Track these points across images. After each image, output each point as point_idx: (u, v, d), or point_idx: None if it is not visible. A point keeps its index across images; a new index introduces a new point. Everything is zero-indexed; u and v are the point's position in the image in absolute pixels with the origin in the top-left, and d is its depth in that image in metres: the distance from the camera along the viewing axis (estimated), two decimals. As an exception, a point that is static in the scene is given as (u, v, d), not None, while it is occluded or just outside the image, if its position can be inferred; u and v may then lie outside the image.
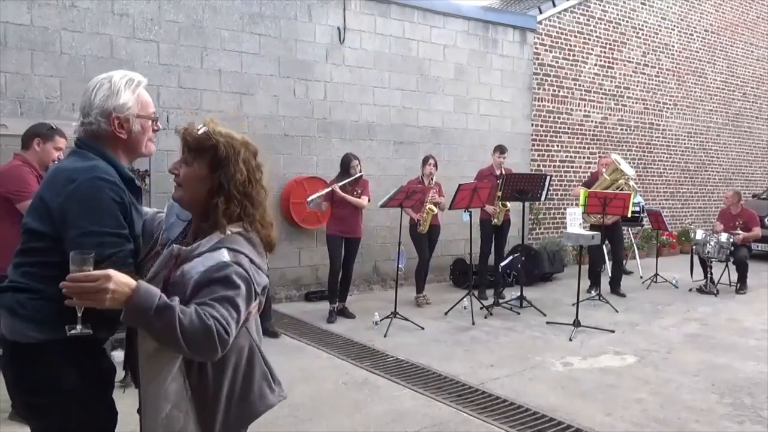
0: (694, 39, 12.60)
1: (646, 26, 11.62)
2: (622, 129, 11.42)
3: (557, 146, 10.41)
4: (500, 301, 7.07)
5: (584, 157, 10.81)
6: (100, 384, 1.85)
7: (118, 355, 2.96)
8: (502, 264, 7.67)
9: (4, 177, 3.75)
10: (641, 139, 11.77)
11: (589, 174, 9.18)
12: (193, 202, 1.78)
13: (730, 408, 4.21)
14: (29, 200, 1.95)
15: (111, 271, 1.49)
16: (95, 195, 1.71)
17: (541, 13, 9.94)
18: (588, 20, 10.64)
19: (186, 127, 1.78)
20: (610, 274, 8.06)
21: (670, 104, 12.26)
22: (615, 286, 7.91)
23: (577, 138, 10.70)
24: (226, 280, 1.63)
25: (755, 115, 14.20)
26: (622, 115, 11.38)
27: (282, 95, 7.44)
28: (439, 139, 8.80)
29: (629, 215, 6.98)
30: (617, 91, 11.24)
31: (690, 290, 8.17)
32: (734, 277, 8.27)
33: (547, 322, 6.36)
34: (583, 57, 10.62)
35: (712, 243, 7.97)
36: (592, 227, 7.33)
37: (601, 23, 10.84)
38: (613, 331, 6.07)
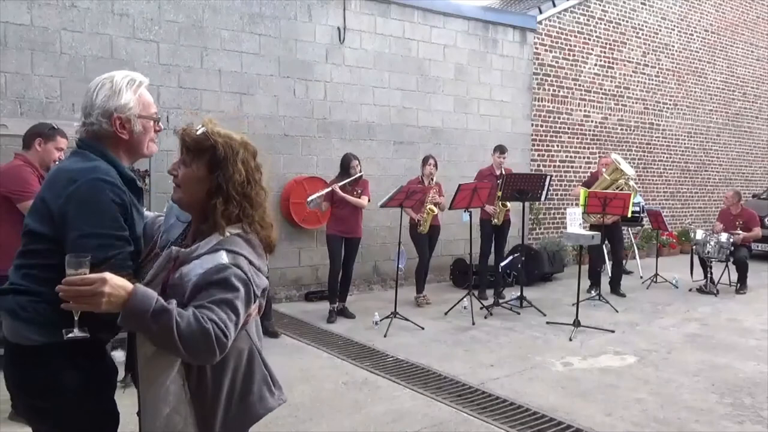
0: (694, 39, 12.60)
1: (646, 26, 11.62)
2: (622, 129, 11.42)
3: (557, 146, 10.41)
4: (500, 301, 7.07)
5: (584, 157, 10.82)
6: (102, 386, 1.85)
7: (119, 356, 2.96)
8: (502, 264, 7.67)
9: (5, 176, 3.74)
10: (641, 139, 11.78)
11: (589, 174, 9.19)
12: (192, 203, 1.77)
13: (730, 408, 4.21)
14: (30, 200, 1.95)
15: (107, 275, 1.47)
16: (95, 196, 1.70)
17: (541, 13, 9.94)
18: (588, 20, 10.64)
19: (184, 127, 1.77)
20: (610, 274, 8.06)
21: (670, 104, 12.26)
22: (615, 286, 7.91)
23: (577, 138, 10.70)
24: (224, 283, 1.61)
25: (755, 115, 14.20)
26: (622, 115, 11.39)
27: (282, 95, 7.44)
28: (439, 139, 8.81)
29: (629, 215, 6.98)
30: (617, 91, 11.24)
31: (690, 290, 8.17)
32: (734, 277, 8.27)
33: (547, 322, 6.36)
34: (583, 57, 10.62)
35: (712, 243, 7.97)
36: (592, 227, 7.33)
37: (601, 23, 10.85)
38: (613, 331, 6.07)
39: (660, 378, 4.79)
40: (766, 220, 9.98)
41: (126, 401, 1.95)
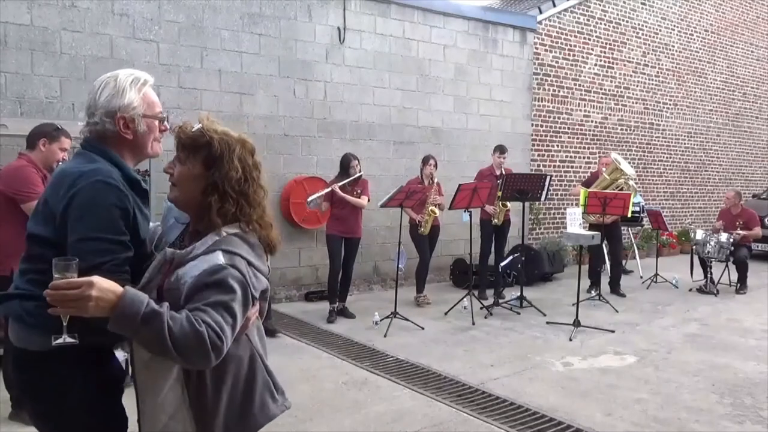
0: (694, 39, 12.60)
1: (646, 26, 11.62)
2: (622, 129, 11.42)
3: (557, 146, 10.41)
4: (500, 301, 7.07)
5: (584, 157, 10.82)
6: (109, 391, 1.82)
7: (120, 355, 2.95)
8: (502, 264, 7.67)
9: (9, 177, 3.73)
10: (641, 139, 11.78)
11: (589, 174, 9.19)
12: (188, 202, 1.73)
13: (730, 408, 4.21)
14: (35, 201, 1.94)
15: (95, 278, 1.43)
16: (95, 199, 1.67)
17: (541, 13, 9.94)
18: (588, 20, 10.64)
19: (180, 125, 1.73)
20: (609, 274, 8.06)
21: (670, 104, 12.26)
22: (615, 286, 7.91)
23: (577, 138, 10.70)
24: (220, 284, 1.56)
25: (755, 115, 14.20)
26: (622, 115, 11.39)
27: (282, 95, 7.44)
28: (439, 139, 8.81)
29: (629, 215, 6.98)
30: (617, 91, 11.25)
31: (690, 290, 8.17)
32: (734, 277, 8.27)
33: (547, 322, 6.35)
34: (583, 57, 10.62)
35: (712, 243, 7.97)
36: (591, 227, 7.33)
37: (601, 23, 10.85)
38: (613, 331, 6.07)
39: (660, 378, 4.79)
40: (766, 220, 9.98)
41: (125, 401, 1.94)
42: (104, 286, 1.43)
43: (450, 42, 8.88)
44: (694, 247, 8.33)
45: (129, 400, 1.94)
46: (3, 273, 3.36)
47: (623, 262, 8.82)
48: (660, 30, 11.89)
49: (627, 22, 11.27)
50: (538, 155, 10.13)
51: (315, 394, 4.31)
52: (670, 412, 4.12)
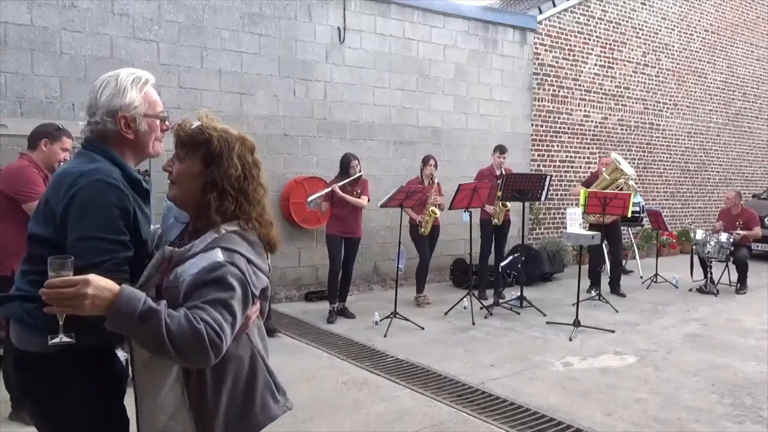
0: (694, 39, 12.60)
1: (646, 26, 11.62)
2: (622, 129, 11.42)
3: (557, 146, 10.41)
4: (500, 301, 7.07)
5: (584, 157, 10.82)
6: (109, 391, 1.81)
7: (121, 355, 2.95)
8: (502, 264, 7.67)
9: (10, 177, 3.72)
10: (641, 139, 11.78)
11: (589, 174, 9.19)
12: (187, 200, 1.71)
13: (730, 408, 4.21)
14: (36, 201, 1.93)
15: (91, 276, 1.41)
16: (94, 199, 1.66)
17: (541, 13, 9.94)
18: (588, 20, 10.64)
19: (179, 122, 1.72)
20: (609, 274, 8.06)
21: (670, 104, 12.26)
22: (615, 286, 7.91)
23: (577, 138, 10.71)
24: (219, 282, 1.54)
25: (755, 115, 14.20)
26: (622, 115, 11.39)
27: (282, 95, 7.44)
28: (439, 139, 8.81)
29: (629, 215, 6.98)
30: (617, 91, 11.25)
31: (690, 290, 8.17)
32: (734, 277, 8.27)
33: (547, 322, 6.35)
34: (583, 57, 10.62)
35: (712, 243, 7.97)
36: (591, 227, 7.33)
37: (601, 23, 10.85)
38: (613, 331, 6.07)
39: (660, 378, 4.79)
40: (766, 220, 9.98)
41: (128, 401, 1.94)
42: (100, 284, 1.42)
43: (450, 42, 8.88)
44: (694, 247, 8.33)
45: (130, 400, 1.94)
46: (4, 273, 3.36)
47: (623, 262, 8.83)
48: (660, 30, 11.89)
49: (627, 22, 11.27)
50: (538, 155, 10.13)
51: (315, 394, 4.31)
52: (670, 412, 4.12)
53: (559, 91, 10.33)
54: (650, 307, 7.27)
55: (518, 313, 6.74)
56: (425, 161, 7.07)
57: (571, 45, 10.42)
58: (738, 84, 13.64)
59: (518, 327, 6.26)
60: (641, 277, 8.89)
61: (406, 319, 6.12)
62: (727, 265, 8.22)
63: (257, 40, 7.22)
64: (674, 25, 12.18)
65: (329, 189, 6.33)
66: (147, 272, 1.67)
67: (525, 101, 9.79)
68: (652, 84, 11.86)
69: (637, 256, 9.98)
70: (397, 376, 4.73)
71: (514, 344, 5.68)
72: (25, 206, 3.56)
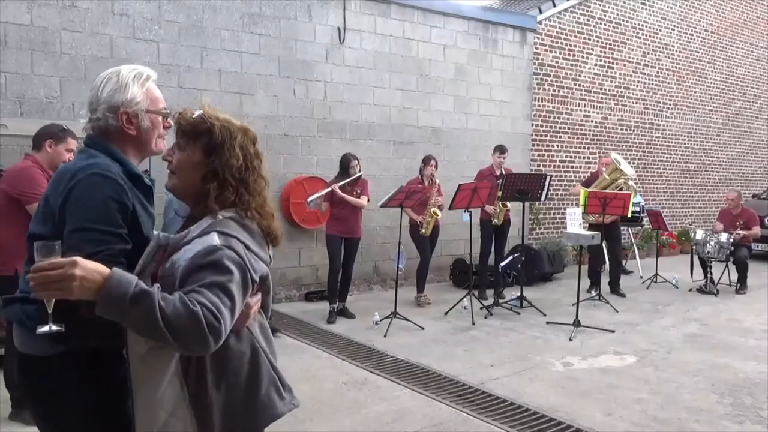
0: (694, 39, 12.60)
1: (646, 26, 11.62)
2: (622, 129, 11.42)
3: (557, 146, 10.41)
4: (500, 301, 7.07)
5: (584, 157, 10.82)
6: (113, 395, 1.77)
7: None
8: (502, 264, 7.67)
9: (15, 177, 3.72)
10: (641, 139, 11.78)
11: (589, 174, 9.19)
12: (187, 190, 1.68)
13: (730, 408, 4.21)
14: None
15: (78, 258, 1.36)
16: (89, 191, 1.64)
17: (541, 13, 9.94)
18: (588, 20, 10.64)
19: (181, 111, 1.70)
20: (608, 275, 8.06)
21: (670, 104, 12.26)
22: (614, 286, 7.91)
23: (577, 138, 10.71)
24: (215, 265, 1.49)
25: (755, 115, 14.20)
26: (622, 115, 11.39)
27: (282, 95, 7.44)
28: (439, 139, 8.81)
29: (629, 215, 6.98)
30: (617, 91, 11.25)
31: (690, 290, 8.17)
32: (734, 277, 8.27)
33: (547, 322, 6.35)
34: (583, 57, 10.62)
35: (712, 243, 7.97)
36: (591, 227, 7.33)
37: (601, 23, 10.85)
38: (613, 331, 6.07)
39: (660, 378, 4.79)
40: (766, 220, 9.98)
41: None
42: (89, 266, 1.37)
43: (450, 42, 8.88)
44: (694, 247, 8.33)
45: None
46: (7, 273, 3.36)
47: (623, 262, 8.83)
48: (660, 30, 11.89)
49: (627, 22, 11.28)
50: (538, 155, 10.13)
51: (315, 394, 4.31)
52: (670, 412, 4.12)
53: (559, 91, 10.33)
54: (650, 307, 7.27)
55: (518, 313, 6.74)
56: (426, 161, 7.07)
57: (571, 45, 10.43)
58: (738, 84, 13.64)
59: (518, 327, 6.26)
60: (641, 277, 8.89)
61: (406, 319, 6.12)
62: (727, 265, 8.22)
63: (257, 40, 7.22)
64: (674, 25, 12.18)
65: (329, 189, 6.33)
66: (142, 261, 1.63)
67: (525, 101, 9.79)
68: (652, 84, 11.86)
69: (637, 256, 9.98)
70: (397, 376, 4.73)
71: (514, 344, 5.68)
72: (29, 207, 3.56)
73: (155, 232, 1.68)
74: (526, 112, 9.81)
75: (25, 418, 3.58)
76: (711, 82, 13.04)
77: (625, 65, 11.32)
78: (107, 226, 1.63)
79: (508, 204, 7.28)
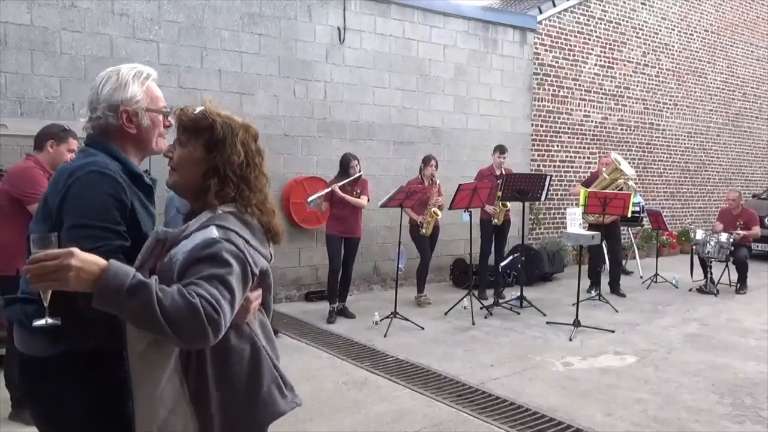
0: (694, 39, 12.60)
1: (646, 26, 11.62)
2: (622, 129, 11.42)
3: (557, 146, 10.41)
4: (500, 301, 7.07)
5: (584, 157, 10.82)
6: (113, 396, 1.75)
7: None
8: (502, 264, 7.67)
9: (16, 178, 3.72)
10: (641, 139, 11.78)
11: (589, 174, 9.19)
12: (188, 186, 1.67)
13: (730, 408, 4.21)
14: None
15: (75, 249, 1.35)
16: (86, 188, 1.64)
17: (541, 13, 9.94)
18: (588, 20, 10.64)
19: (182, 108, 1.69)
20: (608, 275, 8.06)
21: (670, 104, 12.26)
22: (614, 286, 7.91)
23: (577, 138, 10.71)
24: (214, 258, 1.47)
25: (755, 115, 14.21)
26: (622, 115, 11.39)
27: (282, 95, 7.44)
28: (439, 139, 8.81)
29: (629, 215, 6.98)
30: (617, 91, 11.25)
31: (690, 290, 8.17)
32: (734, 277, 8.27)
33: (547, 322, 6.35)
34: (583, 57, 10.62)
35: (712, 243, 7.97)
36: (591, 227, 7.33)
37: (601, 23, 10.85)
38: (613, 331, 6.07)
39: (660, 378, 4.79)
40: (766, 220, 9.98)
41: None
42: (86, 257, 1.35)
43: (450, 42, 8.88)
44: (694, 247, 8.33)
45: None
46: (9, 273, 3.36)
47: (623, 262, 8.83)
48: (660, 30, 11.89)
49: (627, 22, 11.28)
50: (538, 155, 10.13)
51: (315, 394, 4.31)
52: (670, 412, 4.12)
53: (559, 91, 10.33)
54: (650, 307, 7.27)
55: (518, 313, 6.74)
56: (426, 161, 7.07)
57: (571, 45, 10.43)
58: (738, 84, 13.64)
59: (518, 327, 6.26)
60: (641, 277, 8.89)
61: (406, 319, 6.12)
62: (727, 265, 8.22)
63: (257, 40, 7.22)
64: (674, 25, 12.18)
65: (329, 189, 6.33)
66: (141, 256, 1.61)
67: (525, 101, 9.79)
68: (652, 84, 11.86)
69: (637, 256, 9.98)
70: (397, 376, 4.73)
71: (514, 344, 5.68)
72: (30, 207, 3.55)
73: (160, 229, 1.68)
74: (526, 112, 9.81)
75: (25, 418, 3.58)
76: (711, 82, 13.04)
77: (625, 65, 11.32)
78: (105, 222, 1.62)
79: (508, 204, 7.28)
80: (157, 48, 6.56)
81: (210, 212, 1.61)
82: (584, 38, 10.61)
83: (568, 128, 10.54)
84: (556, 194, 10.31)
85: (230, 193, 1.63)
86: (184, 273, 1.48)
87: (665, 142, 12.26)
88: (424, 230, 6.92)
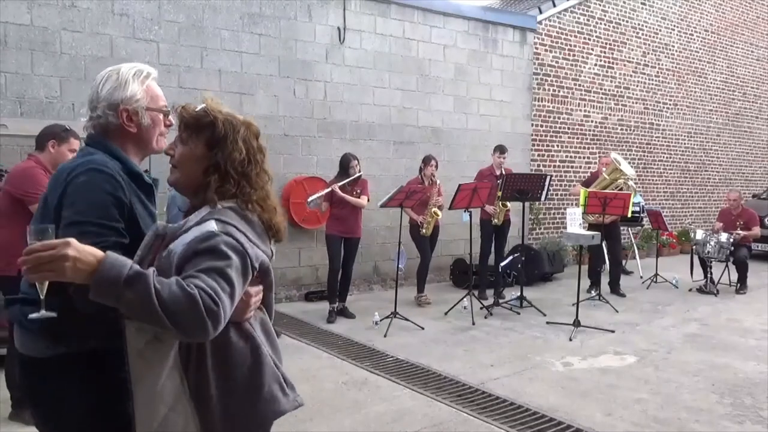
0: (694, 39, 12.60)
1: (646, 26, 11.62)
2: (622, 129, 11.42)
3: (557, 146, 10.41)
4: (500, 301, 7.07)
5: (584, 157, 10.82)
6: (113, 396, 1.73)
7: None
8: (502, 264, 7.67)
9: (18, 178, 3.72)
10: (641, 139, 11.78)
11: (589, 174, 9.19)
12: (189, 184, 1.67)
13: (730, 408, 4.21)
14: None
15: (72, 239, 1.34)
16: (85, 186, 1.64)
17: (541, 13, 9.94)
18: (588, 20, 10.64)
19: (183, 105, 1.69)
20: (608, 275, 8.06)
21: (670, 104, 12.26)
22: (614, 286, 7.91)
23: (577, 138, 10.71)
24: (213, 251, 1.46)
25: (755, 115, 14.21)
26: (622, 115, 11.39)
27: (282, 95, 7.44)
28: (439, 139, 8.81)
29: (629, 215, 6.98)
30: (617, 91, 11.25)
31: (690, 290, 8.16)
32: (734, 277, 8.27)
33: (547, 322, 6.35)
34: (583, 57, 10.62)
35: (712, 243, 7.97)
36: (591, 227, 7.33)
37: (601, 23, 10.85)
38: (613, 331, 6.07)
39: (660, 378, 4.79)
40: (766, 220, 9.98)
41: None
42: (82, 247, 1.34)
43: (450, 42, 8.88)
44: (694, 247, 8.33)
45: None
46: (10, 273, 3.37)
47: (623, 262, 8.83)
48: (660, 30, 11.89)
49: (627, 22, 11.27)
50: (538, 155, 10.13)
51: (315, 394, 4.31)
52: (670, 412, 4.12)
53: (559, 91, 10.33)
54: (650, 307, 7.27)
55: (518, 313, 6.74)
56: (426, 161, 7.07)
57: (571, 45, 10.42)
58: (738, 84, 13.64)
59: (518, 327, 6.26)
60: (641, 277, 8.89)
61: (406, 319, 6.12)
62: (727, 265, 8.22)
63: (257, 40, 7.22)
64: (674, 25, 12.18)
65: (329, 189, 6.33)
66: (140, 252, 1.60)
67: (525, 101, 9.78)
68: (652, 84, 11.86)
69: (637, 256, 9.98)
70: (397, 376, 4.73)
71: (514, 344, 5.68)
72: (32, 207, 3.55)
73: (159, 224, 1.67)
74: (526, 112, 9.81)
75: (25, 418, 3.58)
76: (711, 82, 13.04)
77: (625, 65, 11.32)
78: (102, 219, 1.62)
79: (508, 204, 7.28)
80: (157, 48, 6.56)
81: (209, 207, 1.61)
82: (584, 38, 10.61)
83: (568, 128, 10.54)
84: (556, 194, 10.31)
85: (231, 189, 1.62)
86: (182, 266, 1.47)
87: (665, 142, 12.26)
88: (424, 230, 6.92)
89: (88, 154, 1.75)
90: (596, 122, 10.95)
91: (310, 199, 6.28)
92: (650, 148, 11.96)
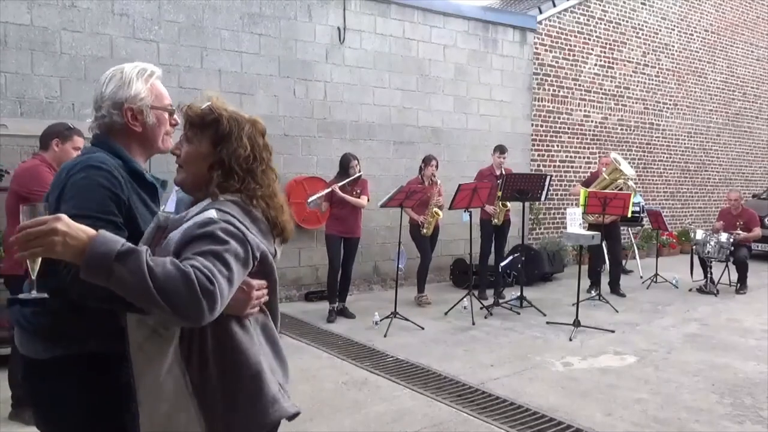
0: (694, 39, 12.60)
1: (646, 26, 11.62)
2: (622, 129, 11.42)
3: (557, 146, 10.41)
4: (500, 301, 7.07)
5: (584, 157, 10.82)
6: (113, 398, 1.72)
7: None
8: (502, 264, 7.67)
9: (23, 176, 3.73)
10: (641, 139, 11.78)
11: (589, 174, 9.19)
12: (196, 183, 1.65)
13: (730, 408, 4.21)
14: None
15: (63, 215, 1.31)
16: (81, 181, 1.64)
17: (541, 13, 9.94)
18: (588, 20, 10.64)
19: (189, 104, 1.69)
20: (608, 274, 8.06)
21: (670, 104, 12.26)
22: (614, 286, 7.91)
23: (577, 138, 10.71)
24: (211, 236, 1.44)
25: (755, 115, 14.21)
26: (622, 115, 11.39)
27: (282, 95, 7.44)
28: (439, 139, 8.81)
29: (629, 215, 6.98)
30: (617, 91, 11.25)
31: (690, 290, 8.16)
32: (734, 277, 8.27)
33: (547, 322, 6.35)
34: (583, 57, 10.62)
35: (712, 243, 7.97)
36: (591, 227, 7.33)
37: (601, 23, 10.85)
38: (613, 331, 6.07)
39: (660, 378, 4.79)
40: (766, 220, 9.98)
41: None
42: (74, 224, 1.31)
43: (450, 42, 8.88)
44: (694, 247, 8.33)
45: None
46: (17, 272, 3.37)
47: (623, 262, 8.83)
48: (660, 30, 11.89)
49: (627, 22, 11.28)
50: (538, 155, 10.13)
51: (315, 394, 4.31)
52: (670, 412, 4.12)
53: (559, 91, 10.33)
54: (650, 307, 7.27)
55: (518, 313, 6.74)
56: (426, 161, 7.07)
57: (571, 45, 10.43)
58: (738, 84, 13.64)
59: (518, 327, 6.26)
60: (641, 277, 8.89)
61: (406, 319, 6.12)
62: (727, 265, 8.22)
63: (257, 40, 7.22)
64: (674, 25, 12.18)
65: (329, 189, 6.33)
66: (142, 242, 1.58)
67: (525, 101, 9.79)
68: (652, 84, 11.86)
69: (637, 256, 9.98)
70: (397, 376, 4.73)
71: (514, 344, 5.68)
72: None
73: (160, 214, 1.67)
74: (526, 112, 9.81)
75: (25, 418, 3.58)
76: (711, 82, 13.04)
77: (625, 65, 11.32)
78: (99, 213, 1.61)
79: (508, 204, 7.28)
80: (157, 48, 6.56)
81: (211, 198, 1.60)
82: (584, 38, 10.61)
83: (568, 128, 10.54)
84: (556, 194, 10.31)
85: (234, 185, 1.61)
86: (179, 252, 1.45)
87: (665, 142, 12.26)
88: (425, 230, 6.92)
89: (88, 152, 1.76)
90: (596, 122, 10.95)
91: (310, 199, 6.29)
92: (650, 148, 11.96)
